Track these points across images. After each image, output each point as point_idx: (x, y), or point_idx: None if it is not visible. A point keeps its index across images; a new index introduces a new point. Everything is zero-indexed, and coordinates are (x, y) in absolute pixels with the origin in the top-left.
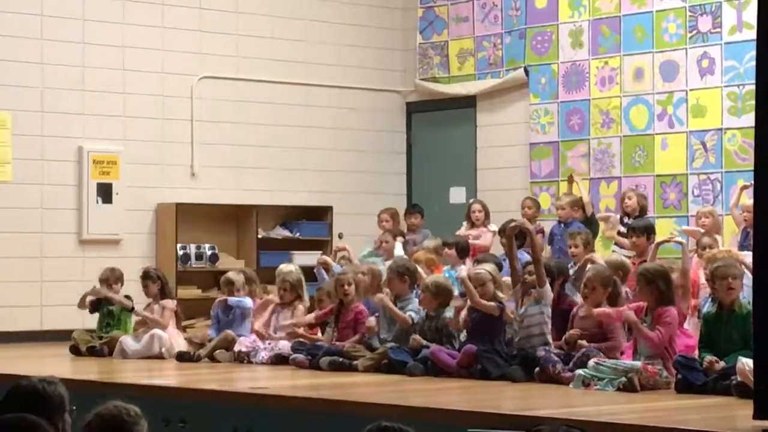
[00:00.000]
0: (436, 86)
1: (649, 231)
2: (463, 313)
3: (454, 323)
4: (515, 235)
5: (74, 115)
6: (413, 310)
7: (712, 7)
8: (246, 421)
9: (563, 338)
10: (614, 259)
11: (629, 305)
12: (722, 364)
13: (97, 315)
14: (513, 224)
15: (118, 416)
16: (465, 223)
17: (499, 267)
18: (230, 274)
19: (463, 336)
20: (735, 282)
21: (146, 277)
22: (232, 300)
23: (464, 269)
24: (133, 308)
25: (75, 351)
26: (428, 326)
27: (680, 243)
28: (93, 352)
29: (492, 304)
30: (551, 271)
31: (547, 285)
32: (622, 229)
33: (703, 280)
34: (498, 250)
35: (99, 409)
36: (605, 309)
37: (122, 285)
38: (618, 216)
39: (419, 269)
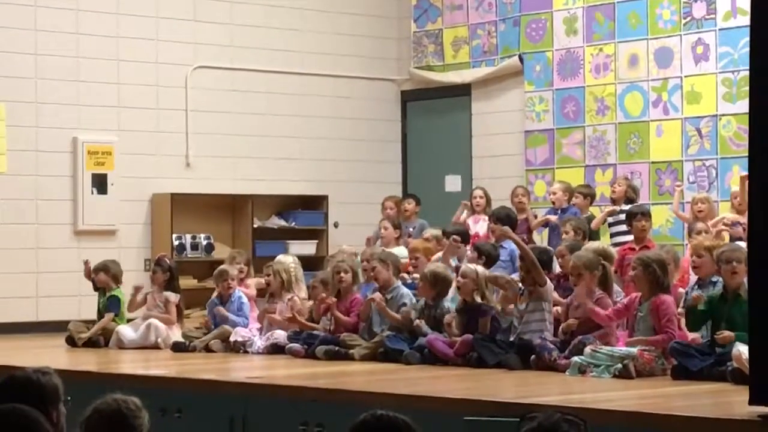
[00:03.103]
0: (430, 74)
1: (648, 215)
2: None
3: (450, 331)
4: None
5: (69, 106)
6: (407, 300)
7: None
8: (242, 410)
9: (560, 328)
10: (596, 247)
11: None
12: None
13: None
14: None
15: (118, 410)
16: (465, 211)
17: (495, 257)
18: (224, 267)
19: None
20: (739, 266)
21: (158, 264)
22: (232, 318)
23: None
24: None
25: (71, 342)
26: (427, 315)
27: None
28: (89, 342)
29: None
30: (546, 260)
31: (549, 283)
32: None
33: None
34: None
35: (98, 403)
36: (598, 310)
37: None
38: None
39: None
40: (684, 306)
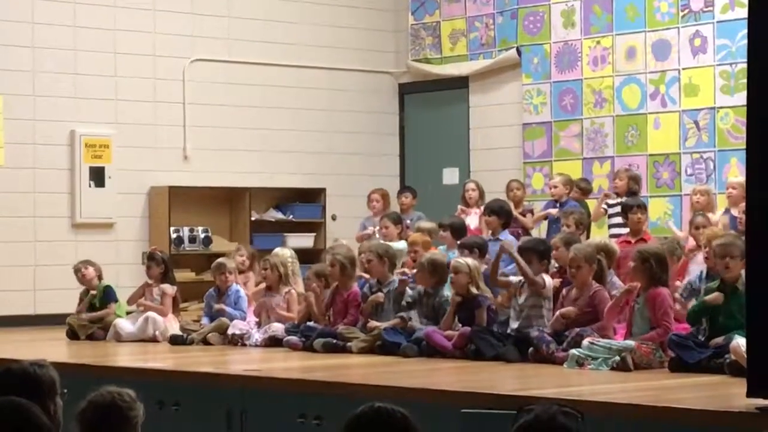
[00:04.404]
0: (428, 67)
1: (643, 208)
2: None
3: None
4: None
5: (66, 99)
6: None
7: None
8: (240, 402)
9: (558, 312)
10: (598, 242)
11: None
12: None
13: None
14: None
15: (113, 402)
16: (459, 206)
17: (484, 246)
18: (221, 260)
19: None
20: (732, 262)
21: (151, 258)
22: (229, 311)
23: None
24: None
25: (72, 335)
26: (425, 303)
27: None
28: (88, 335)
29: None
30: (545, 250)
31: (549, 282)
32: (610, 210)
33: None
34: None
35: (93, 395)
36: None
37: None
38: None
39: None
40: (681, 293)
